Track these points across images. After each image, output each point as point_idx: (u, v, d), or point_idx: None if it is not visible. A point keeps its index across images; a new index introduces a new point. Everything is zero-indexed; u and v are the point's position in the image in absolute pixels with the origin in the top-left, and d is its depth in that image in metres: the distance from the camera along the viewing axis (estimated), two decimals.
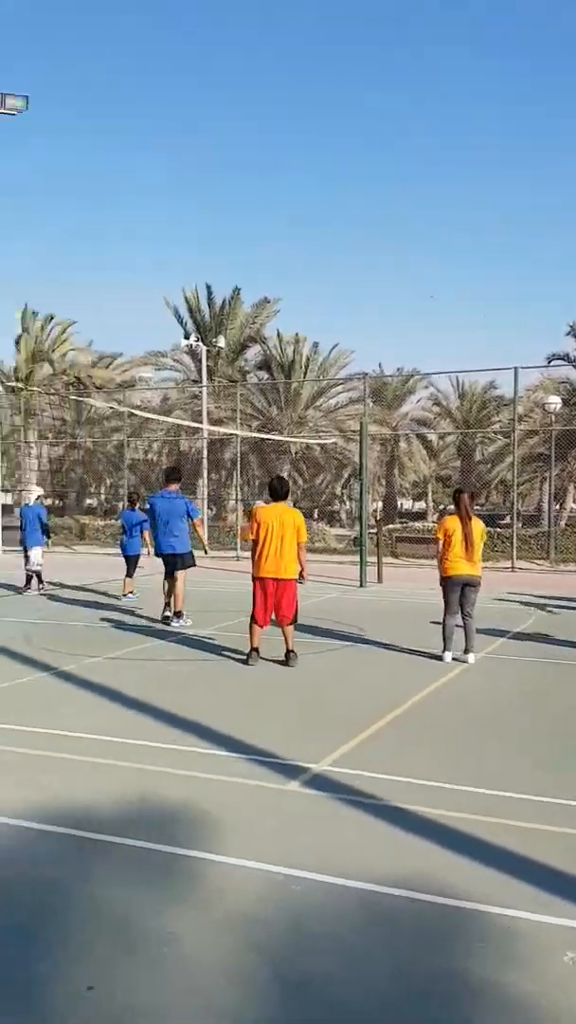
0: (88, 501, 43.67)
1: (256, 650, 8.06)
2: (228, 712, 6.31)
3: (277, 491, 8.35)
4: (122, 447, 29.86)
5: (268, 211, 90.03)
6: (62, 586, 14.79)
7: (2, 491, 28.81)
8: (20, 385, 30.99)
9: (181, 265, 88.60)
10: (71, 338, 36.56)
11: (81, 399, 29.48)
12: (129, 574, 13.14)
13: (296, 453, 36.26)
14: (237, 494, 28.58)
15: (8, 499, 35.12)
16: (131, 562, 13.16)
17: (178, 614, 10.25)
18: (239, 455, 26.54)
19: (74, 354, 37.44)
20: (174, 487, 10.65)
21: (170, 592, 10.48)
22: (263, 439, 30.57)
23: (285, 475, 34.66)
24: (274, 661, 8.09)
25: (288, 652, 8.01)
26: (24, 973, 2.91)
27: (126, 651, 8.75)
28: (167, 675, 7.68)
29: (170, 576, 10.41)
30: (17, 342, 35.01)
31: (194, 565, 10.61)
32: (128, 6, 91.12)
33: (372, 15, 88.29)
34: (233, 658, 8.36)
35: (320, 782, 4.79)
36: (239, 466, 26.57)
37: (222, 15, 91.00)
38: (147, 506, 11.54)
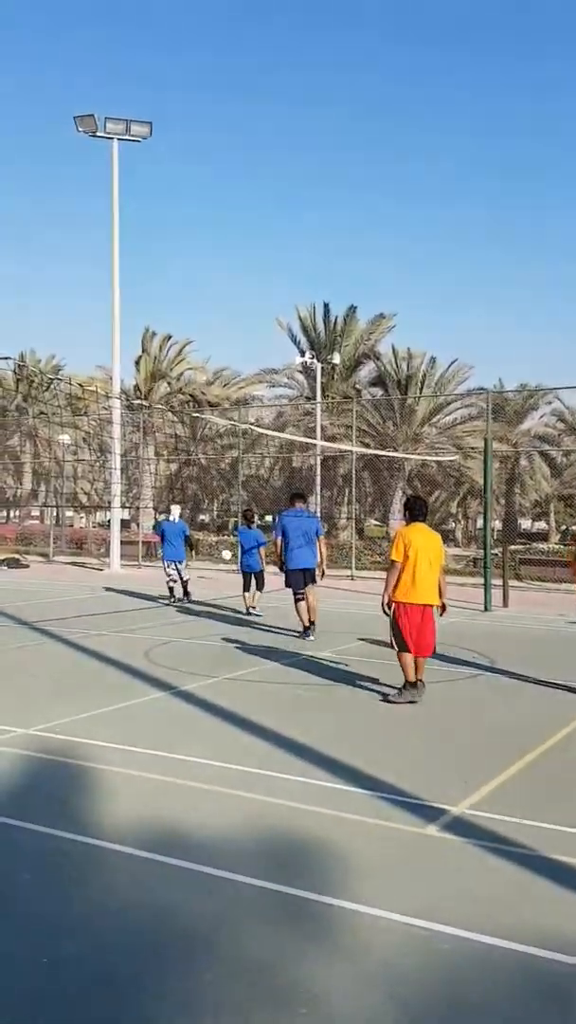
0: (201, 517, 44.37)
1: (420, 681, 7.41)
2: (356, 744, 6.00)
3: (417, 511, 7.65)
4: (236, 463, 30.13)
5: (381, 224, 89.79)
6: (178, 601, 14.87)
7: (121, 507, 29.53)
8: (141, 402, 31.79)
9: (288, 281, 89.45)
10: (188, 357, 37.29)
11: (199, 415, 29.93)
12: (259, 588, 13.35)
13: (411, 471, 35.68)
14: (353, 512, 28.26)
15: (125, 515, 36.12)
16: (257, 578, 13.23)
17: (312, 625, 10.73)
18: (354, 472, 26.26)
19: (191, 373, 38.19)
20: (301, 505, 11.30)
21: (306, 607, 10.76)
22: (378, 455, 30.17)
23: (401, 493, 34.34)
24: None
25: (419, 681, 7.50)
26: None
27: (246, 672, 8.57)
28: (289, 699, 7.44)
29: (300, 591, 10.71)
30: (137, 362, 36.01)
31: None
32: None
33: None
34: (360, 685, 8.04)
35: (461, 827, 4.41)
36: (353, 483, 26.28)
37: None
38: (272, 524, 11.84)
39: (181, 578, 14.94)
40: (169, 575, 14.95)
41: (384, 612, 7.48)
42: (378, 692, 7.57)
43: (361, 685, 7.94)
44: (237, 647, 10.09)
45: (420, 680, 7.37)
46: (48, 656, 9.39)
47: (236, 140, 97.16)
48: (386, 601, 7.36)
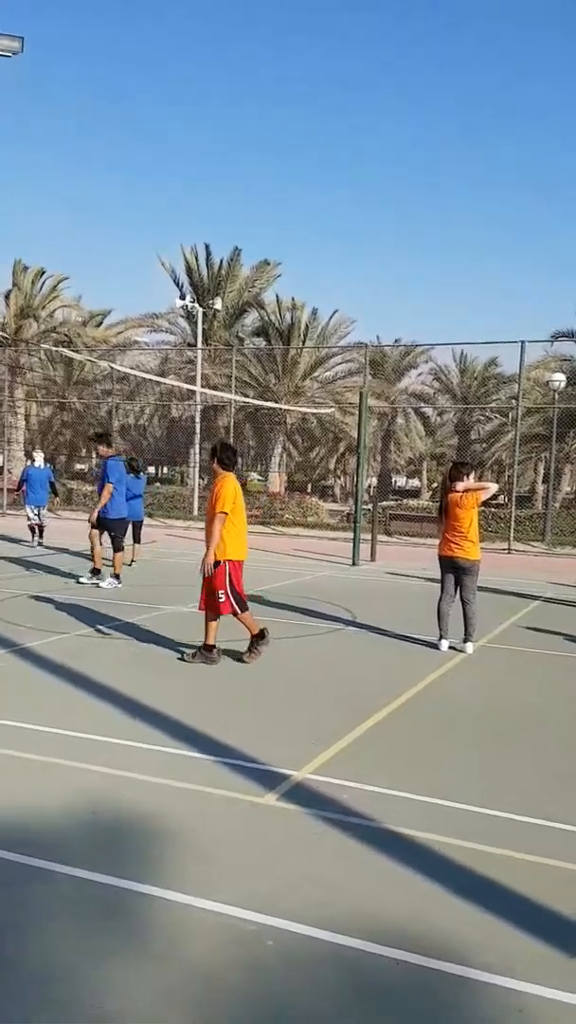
0: (79, 466, 42.81)
1: (264, 636, 6.95)
2: (209, 706, 5.67)
3: (231, 460, 6.93)
4: (113, 411, 29.04)
5: (270, 171, 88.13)
6: (43, 551, 14.13)
7: None
8: (3, 336, 30.03)
9: (177, 222, 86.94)
10: (62, 294, 35.44)
11: (74, 355, 28.51)
12: (136, 540, 12.95)
13: (292, 424, 35.49)
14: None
15: None
16: (135, 528, 12.79)
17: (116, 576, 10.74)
18: (231, 422, 25.77)
19: (65, 311, 36.37)
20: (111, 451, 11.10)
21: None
22: (259, 407, 29.79)
23: (280, 447, 34.08)
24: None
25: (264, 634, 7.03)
26: None
27: (98, 628, 8.09)
28: (146, 659, 7.02)
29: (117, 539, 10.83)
30: (7, 296, 33.94)
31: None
32: None
33: None
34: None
35: (301, 794, 4.16)
36: (232, 435, 25.80)
37: None
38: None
39: (40, 522, 15.32)
40: (30, 518, 15.33)
41: (205, 573, 6.71)
42: (237, 650, 7.26)
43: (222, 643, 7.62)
44: (93, 601, 9.56)
45: (262, 636, 6.98)
46: None
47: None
48: (211, 560, 6.63)
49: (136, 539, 12.88)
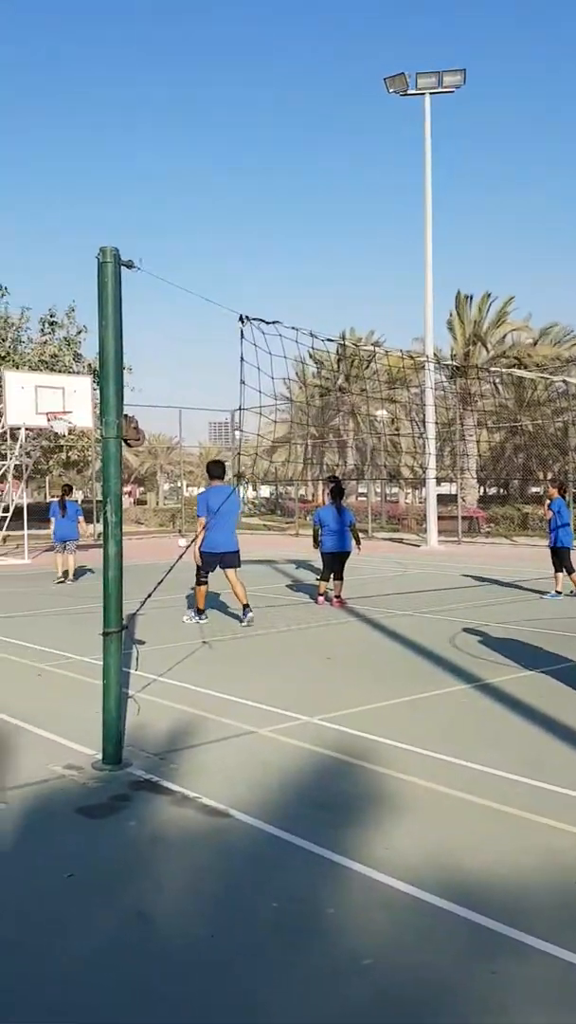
0: (534, 489, 41.88)
1: None
2: None
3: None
4: (567, 428, 27.72)
5: None
6: (497, 583, 13.72)
7: (439, 480, 28.73)
8: (449, 363, 30.56)
9: None
10: (508, 317, 35.14)
11: (526, 375, 27.94)
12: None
13: None
14: None
15: (448, 488, 35.19)
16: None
17: None
18: None
19: (515, 334, 35.99)
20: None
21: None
22: None
23: None
24: None
25: None
26: None
27: (567, 665, 7.32)
28: None
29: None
30: (450, 326, 34.71)
31: None
32: None
33: None
34: None
35: None
36: None
37: None
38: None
39: None
40: None
41: None
42: None
43: None
44: (558, 635, 8.77)
45: None
46: (347, 637, 8.92)
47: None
48: None
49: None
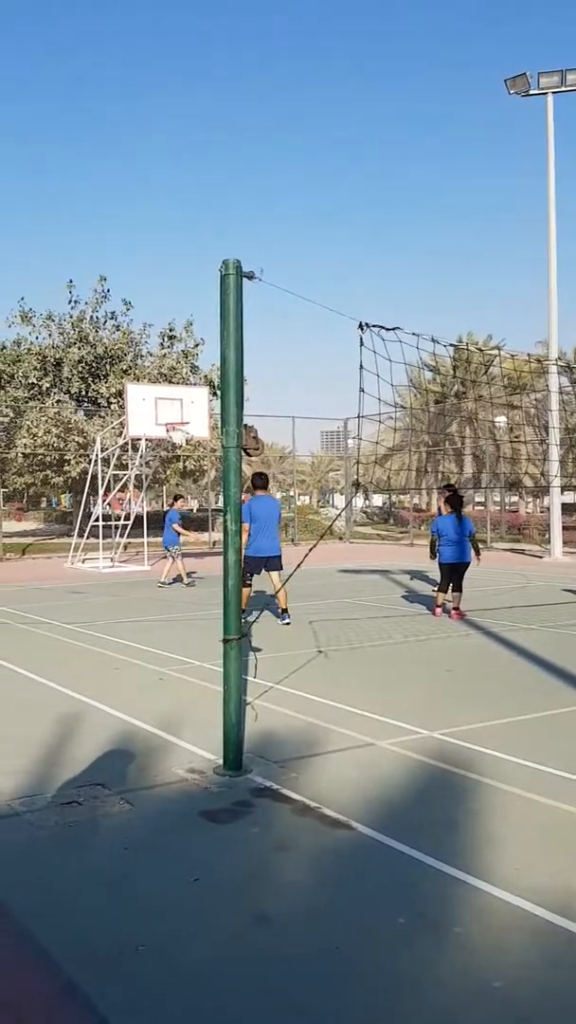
0: None
1: None
2: None
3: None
4: None
5: None
6: None
7: (563, 488, 27.72)
8: None
9: None
10: None
11: None
12: None
13: None
14: None
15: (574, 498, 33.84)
16: None
17: None
18: None
19: None
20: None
21: None
22: None
23: None
24: None
25: None
26: None
27: None
28: None
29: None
30: None
31: None
32: None
33: None
34: None
35: None
36: None
37: None
38: None
39: None
40: None
41: None
42: None
43: None
44: None
45: None
46: (468, 649, 8.70)
47: None
48: None
49: None
